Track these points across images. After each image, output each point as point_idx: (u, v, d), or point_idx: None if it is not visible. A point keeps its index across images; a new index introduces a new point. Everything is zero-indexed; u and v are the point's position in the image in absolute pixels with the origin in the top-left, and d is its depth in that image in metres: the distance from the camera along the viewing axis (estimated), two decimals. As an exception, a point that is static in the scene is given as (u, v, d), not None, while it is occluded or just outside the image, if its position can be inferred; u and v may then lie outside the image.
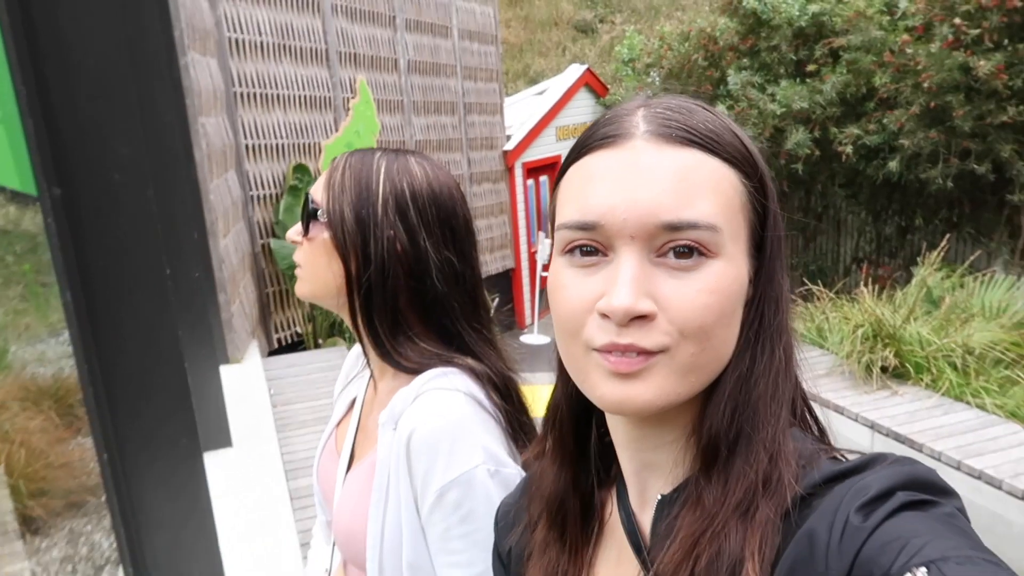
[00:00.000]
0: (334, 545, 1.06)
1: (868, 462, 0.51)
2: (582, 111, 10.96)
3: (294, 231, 1.01)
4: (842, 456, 0.56)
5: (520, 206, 9.99)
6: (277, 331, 6.27)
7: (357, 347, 1.07)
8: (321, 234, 0.97)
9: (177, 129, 3.46)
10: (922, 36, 6.95)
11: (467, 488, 0.85)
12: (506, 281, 9.86)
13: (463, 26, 8.98)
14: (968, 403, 4.20)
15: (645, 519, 0.61)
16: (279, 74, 6.23)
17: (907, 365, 4.48)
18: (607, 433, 0.64)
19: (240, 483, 3.21)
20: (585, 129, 0.59)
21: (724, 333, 0.54)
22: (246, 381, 4.52)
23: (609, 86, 11.25)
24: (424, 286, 0.95)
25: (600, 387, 0.54)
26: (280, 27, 6.24)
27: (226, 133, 5.50)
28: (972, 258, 6.03)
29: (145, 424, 1.79)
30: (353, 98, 7.08)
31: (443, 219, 0.96)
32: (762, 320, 0.56)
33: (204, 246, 4.12)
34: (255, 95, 5.97)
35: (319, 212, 0.97)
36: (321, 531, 1.15)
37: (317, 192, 0.99)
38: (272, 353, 6.00)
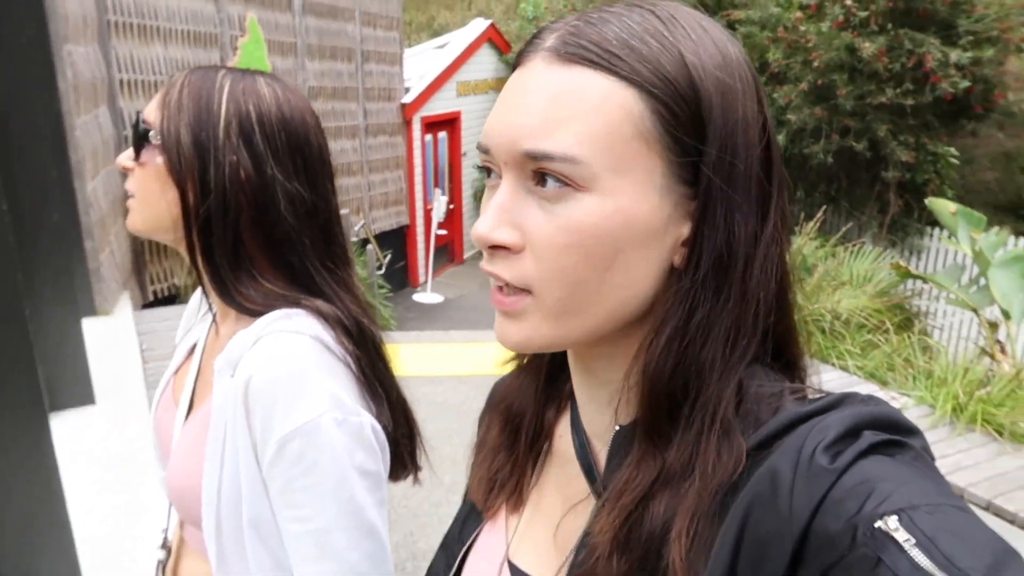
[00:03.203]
0: (171, 503, 0.97)
1: (835, 403, 0.48)
2: (484, 67, 10.78)
3: (124, 156, 0.89)
4: (809, 394, 0.52)
5: (417, 161, 9.77)
6: (153, 283, 5.90)
7: (200, 290, 0.97)
8: (154, 159, 0.86)
9: (34, 55, 3.12)
10: (814, 15, 7.25)
11: (310, 438, 0.77)
12: (400, 238, 9.67)
13: (363, -31, 8.60)
14: (833, 364, 4.50)
15: (599, 446, 0.59)
16: (160, 4, 5.76)
17: (781, 329, 4.73)
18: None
19: (100, 442, 3.01)
20: None
21: (601, 276, 0.48)
22: (115, 335, 4.24)
23: (512, 44, 11.12)
24: (270, 219, 0.86)
25: (496, 318, 0.53)
26: (160, -47, 5.76)
27: (97, 65, 5.05)
28: (844, 230, 6.43)
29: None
30: (242, 36, 6.66)
31: (294, 147, 0.87)
32: (701, 264, 0.50)
33: (67, 187, 3.78)
34: (132, 25, 5.49)
35: (151, 133, 0.86)
36: (161, 488, 1.05)
37: (150, 112, 0.88)
38: (148, 306, 5.65)
